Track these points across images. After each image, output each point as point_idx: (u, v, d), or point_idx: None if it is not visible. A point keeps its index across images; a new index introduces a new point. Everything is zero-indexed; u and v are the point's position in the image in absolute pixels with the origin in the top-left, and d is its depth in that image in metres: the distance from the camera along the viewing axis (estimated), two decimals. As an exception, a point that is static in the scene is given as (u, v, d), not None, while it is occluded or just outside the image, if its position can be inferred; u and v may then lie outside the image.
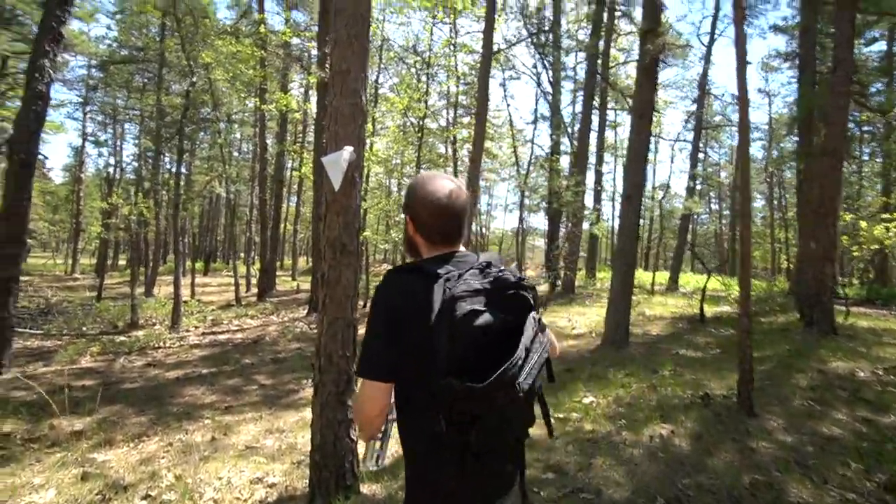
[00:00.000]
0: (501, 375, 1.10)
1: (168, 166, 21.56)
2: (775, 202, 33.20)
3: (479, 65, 17.56)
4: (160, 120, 16.67)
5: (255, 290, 18.28)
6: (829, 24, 11.86)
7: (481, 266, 1.25)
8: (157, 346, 8.84)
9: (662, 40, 6.88)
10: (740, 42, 4.33)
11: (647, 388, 5.50)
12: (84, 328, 10.65)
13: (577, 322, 9.57)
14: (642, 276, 19.17)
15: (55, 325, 10.87)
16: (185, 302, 12.85)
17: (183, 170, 23.49)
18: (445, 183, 1.38)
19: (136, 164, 25.41)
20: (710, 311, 10.05)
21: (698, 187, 19.81)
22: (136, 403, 5.69)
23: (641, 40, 7.39)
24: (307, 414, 5.08)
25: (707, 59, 16.74)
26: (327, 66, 3.31)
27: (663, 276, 18.55)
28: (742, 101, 4.32)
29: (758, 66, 28.55)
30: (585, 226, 13.95)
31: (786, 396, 5.03)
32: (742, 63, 4.31)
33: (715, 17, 17.02)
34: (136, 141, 26.53)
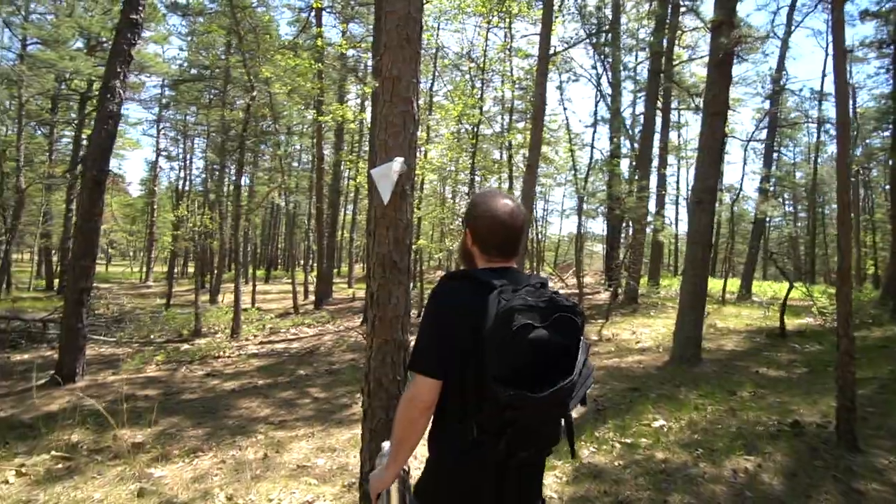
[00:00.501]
0: (558, 392, 1.17)
1: (232, 178, 22.53)
2: (860, 204, 30.57)
3: (535, 69, 17.20)
4: (224, 134, 17.35)
5: (312, 297, 18.63)
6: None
7: (536, 284, 1.34)
8: (217, 355, 9.05)
9: (737, 33, 6.32)
10: (839, 27, 3.81)
11: (726, 412, 4.98)
12: (152, 336, 11.11)
13: (642, 335, 8.99)
14: (712, 283, 18.00)
15: (126, 332, 11.41)
16: (246, 310, 13.18)
17: (245, 181, 24.44)
18: (507, 202, 1.46)
19: (202, 176, 26.68)
20: (790, 323, 9.20)
21: (772, 189, 18.46)
22: (193, 415, 5.75)
23: (713, 34, 6.85)
24: (359, 431, 4.95)
25: (783, 52, 15.58)
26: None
27: (734, 284, 17.33)
28: (841, 94, 3.80)
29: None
30: (648, 231, 13.25)
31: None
32: (841, 52, 3.79)
33: (792, 7, 15.83)
34: (203, 155, 27.87)
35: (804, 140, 32.98)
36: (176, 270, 30.48)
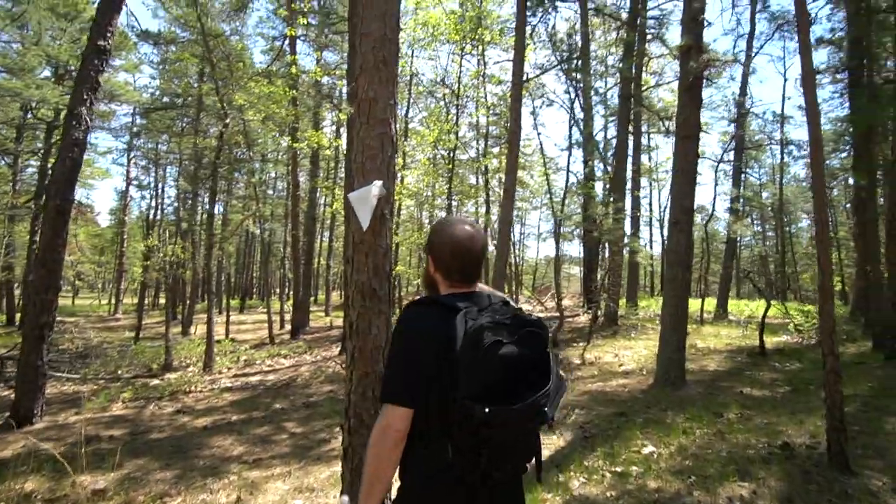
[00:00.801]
0: (534, 402, 1.22)
1: (206, 206, 22.11)
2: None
3: (508, 94, 17.46)
4: (197, 162, 17.06)
5: (289, 326, 18.17)
6: (882, 34, 11.22)
7: (499, 303, 1.41)
8: (188, 390, 8.65)
9: (706, 57, 6.48)
10: (806, 51, 3.89)
11: (714, 436, 4.90)
12: (119, 372, 10.60)
13: (624, 357, 8.94)
14: (689, 303, 18.23)
15: (92, 368, 10.87)
16: (219, 342, 12.76)
17: (218, 209, 24.03)
18: (466, 227, 1.50)
19: (174, 205, 26.15)
20: (769, 341, 9.27)
21: (741, 209, 18.92)
22: (161, 456, 5.41)
23: (682, 59, 7.00)
24: (339, 468, 4.71)
25: (745, 77, 16.17)
26: (354, 97, 3.03)
27: (710, 304, 17.55)
28: (812, 113, 3.86)
29: (795, 82, 27.62)
30: (625, 252, 13.35)
31: (884, 448, 4.36)
32: (810, 73, 3.87)
33: (751, 34, 16.52)
34: (176, 183, 27.39)
35: (768, 161, 34.09)
36: (147, 302, 29.54)
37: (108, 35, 7.23)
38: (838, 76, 21.78)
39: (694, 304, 17.22)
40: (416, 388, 1.29)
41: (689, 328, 11.32)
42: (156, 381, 9.58)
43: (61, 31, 20.75)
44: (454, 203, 18.16)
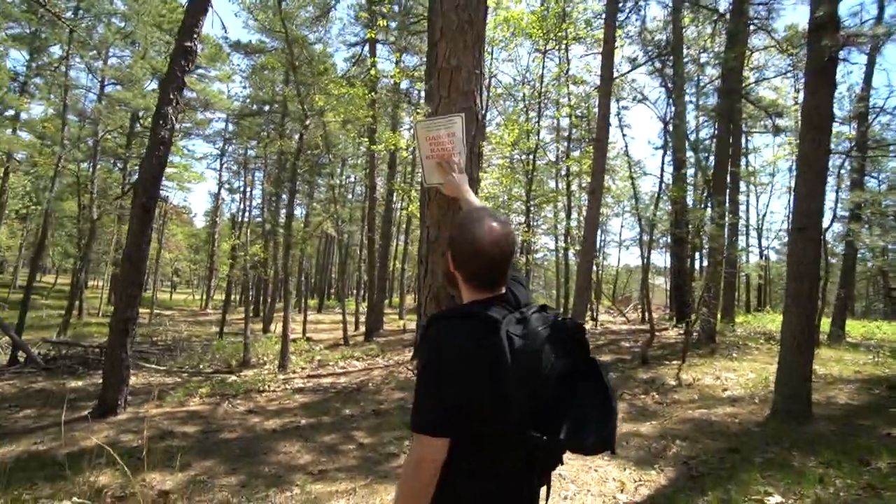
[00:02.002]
0: (608, 437, 1.18)
1: (287, 209, 22.95)
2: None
3: (592, 93, 16.57)
4: (280, 165, 17.61)
5: (363, 328, 18.27)
6: None
7: (538, 310, 1.28)
8: (261, 389, 8.65)
9: (845, 33, 5.47)
10: None
11: (864, 491, 3.95)
12: (201, 366, 10.94)
13: (727, 380, 7.88)
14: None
15: (177, 361, 11.31)
16: (295, 341, 12.92)
17: (300, 212, 24.80)
18: (493, 225, 1.32)
19: (260, 208, 27.38)
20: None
21: (869, 217, 16.63)
22: (229, 459, 5.26)
23: (811, 38, 5.99)
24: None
25: (871, 66, 14.19)
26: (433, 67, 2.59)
27: (824, 324, 15.58)
28: None
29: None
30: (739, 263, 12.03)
31: None
32: None
33: (878, 20, 14.50)
34: (262, 186, 28.72)
35: (890, 165, 30.21)
36: (233, 299, 31.20)
37: (195, 36, 7.35)
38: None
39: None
40: (453, 415, 1.18)
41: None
42: (233, 378, 9.73)
43: (166, 44, 22.39)
44: (532, 207, 17.45)
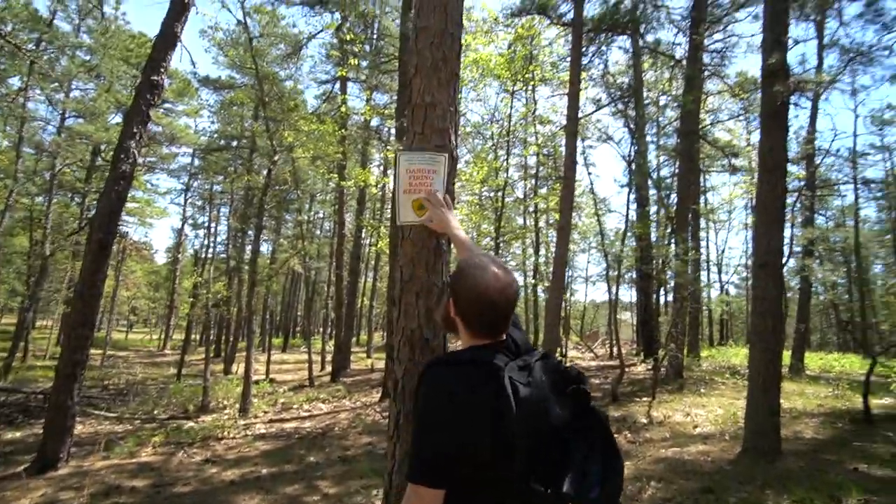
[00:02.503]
0: (613, 493, 1.12)
1: (253, 245, 22.48)
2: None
3: (559, 132, 17.07)
4: (247, 201, 17.31)
5: (329, 367, 17.74)
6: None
7: (541, 357, 1.25)
8: (220, 436, 8.17)
9: (796, 79, 5.78)
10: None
11: (838, 530, 3.93)
12: (155, 412, 10.31)
13: (697, 417, 7.88)
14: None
15: (130, 407, 10.64)
16: (257, 382, 12.37)
17: (266, 248, 24.35)
18: (498, 273, 1.30)
19: (225, 244, 26.78)
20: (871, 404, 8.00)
21: (821, 253, 17.43)
22: (182, 516, 4.87)
23: (765, 83, 6.31)
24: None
25: (815, 111, 15.13)
26: (406, 105, 2.56)
27: (784, 357, 15.97)
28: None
29: (865, 121, 26.02)
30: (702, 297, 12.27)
31: None
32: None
33: (818, 69, 15.55)
34: (227, 222, 28.18)
35: (835, 203, 31.89)
36: (193, 338, 29.99)
37: (162, 70, 7.23)
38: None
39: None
40: (449, 464, 1.13)
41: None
42: (190, 424, 9.19)
43: (133, 78, 22.06)
44: (501, 243, 17.56)
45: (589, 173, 31.96)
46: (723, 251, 31.73)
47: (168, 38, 7.24)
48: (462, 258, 1.47)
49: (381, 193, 25.86)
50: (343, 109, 13.60)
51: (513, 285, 1.31)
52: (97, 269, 6.67)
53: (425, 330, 2.18)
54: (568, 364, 1.32)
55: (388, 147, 13.52)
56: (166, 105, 24.58)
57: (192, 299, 16.72)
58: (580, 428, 1.20)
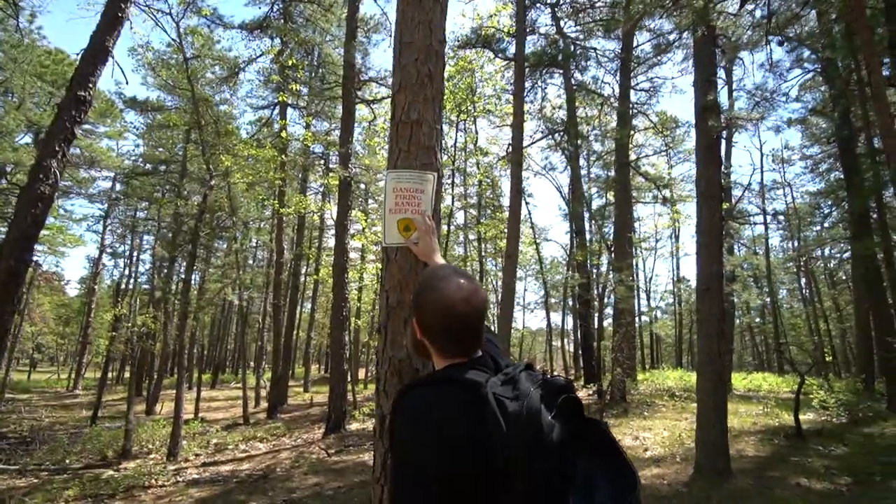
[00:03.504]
0: None
1: (182, 275, 21.12)
2: (804, 291, 31.70)
3: (499, 163, 17.48)
4: (176, 228, 16.32)
5: (265, 403, 16.76)
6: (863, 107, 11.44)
7: (524, 368, 1.12)
8: (147, 484, 7.38)
9: (730, 115, 6.22)
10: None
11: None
12: (67, 461, 9.20)
13: (646, 440, 8.04)
14: (687, 376, 17.47)
15: (35, 456, 9.45)
16: (186, 422, 11.44)
17: (196, 277, 23.02)
18: (461, 281, 1.19)
19: (148, 274, 25.10)
20: (789, 419, 8.52)
21: (738, 277, 18.75)
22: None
23: (699, 118, 6.75)
24: None
25: (729, 149, 16.43)
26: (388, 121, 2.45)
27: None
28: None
29: (765, 157, 28.66)
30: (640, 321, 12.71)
31: None
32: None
33: (730, 108, 16.95)
34: (151, 250, 26.47)
35: (747, 233, 34.64)
36: (110, 376, 27.57)
37: (91, 86, 6.72)
38: (805, 152, 22.93)
39: (691, 377, 16.49)
40: (439, 500, 1.00)
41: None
42: (110, 473, 8.28)
43: (48, 95, 20.47)
44: (435, 266, 17.56)
45: (526, 203, 32.95)
46: (650, 278, 33.36)
47: (98, 51, 6.76)
48: (422, 274, 1.35)
49: (319, 221, 25.35)
50: (283, 134, 13.27)
51: (478, 292, 1.19)
52: (6, 300, 5.93)
53: (414, 360, 2.03)
54: (556, 374, 1.17)
55: (331, 173, 13.24)
56: (86, 126, 22.99)
57: (112, 333, 15.34)
58: (580, 442, 1.07)
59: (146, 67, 16.51)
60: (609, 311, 16.22)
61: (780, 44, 9.42)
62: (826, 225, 25.10)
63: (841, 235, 19.80)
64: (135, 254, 30.42)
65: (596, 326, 14.77)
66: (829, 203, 22.05)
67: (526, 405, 1.00)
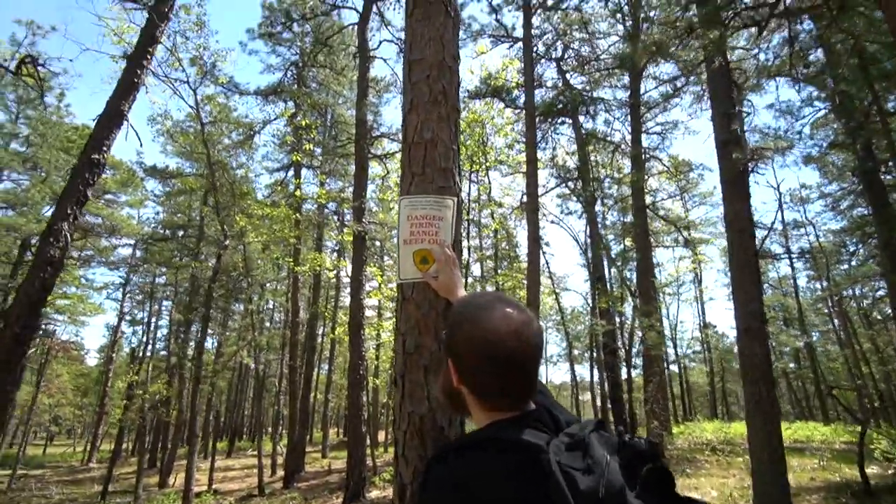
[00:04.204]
0: None
1: (198, 338, 20.96)
2: (839, 333, 30.33)
3: (515, 212, 17.41)
4: (193, 291, 16.29)
5: (281, 471, 16.03)
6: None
7: (595, 428, 0.88)
8: (152, 568, 6.83)
9: (755, 146, 5.99)
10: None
11: None
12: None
13: (693, 501, 7.29)
14: (733, 428, 16.36)
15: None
16: (199, 495, 10.85)
17: (210, 343, 22.84)
18: (508, 313, 0.93)
19: (165, 341, 25.02)
20: (852, 472, 7.73)
21: (770, 319, 17.99)
22: None
23: (720, 152, 6.53)
24: None
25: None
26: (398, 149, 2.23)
27: (739, 428, 15.85)
28: None
29: (783, 195, 28.24)
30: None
31: None
32: None
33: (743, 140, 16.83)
34: (169, 316, 26.50)
35: (771, 275, 33.64)
36: (125, 448, 26.98)
37: (105, 149, 6.77)
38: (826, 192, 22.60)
39: (730, 429, 15.43)
40: None
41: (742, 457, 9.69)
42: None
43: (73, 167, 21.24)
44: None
45: (543, 252, 32.70)
46: (675, 325, 32.32)
47: (113, 115, 6.86)
48: (456, 303, 1.11)
49: (335, 280, 25.27)
50: (298, 193, 13.37)
51: (531, 324, 0.93)
52: (8, 370, 5.70)
53: (439, 416, 1.69)
54: (638, 436, 0.92)
55: (346, 228, 13.20)
56: (108, 196, 23.67)
57: (125, 401, 15.00)
58: None
59: (165, 135, 17.05)
60: (637, 360, 15.61)
61: (796, 81, 9.31)
62: (853, 263, 24.31)
63: (874, 272, 19.02)
64: (153, 320, 30.48)
65: (625, 377, 14.10)
66: (855, 240, 21.48)
67: (605, 482, 0.77)
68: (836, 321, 30.93)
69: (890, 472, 8.16)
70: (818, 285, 30.30)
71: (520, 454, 0.83)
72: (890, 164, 11.57)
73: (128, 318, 29.92)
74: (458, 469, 0.86)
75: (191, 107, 12.13)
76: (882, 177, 11.85)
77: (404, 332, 1.79)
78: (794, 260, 23.85)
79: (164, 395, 12.86)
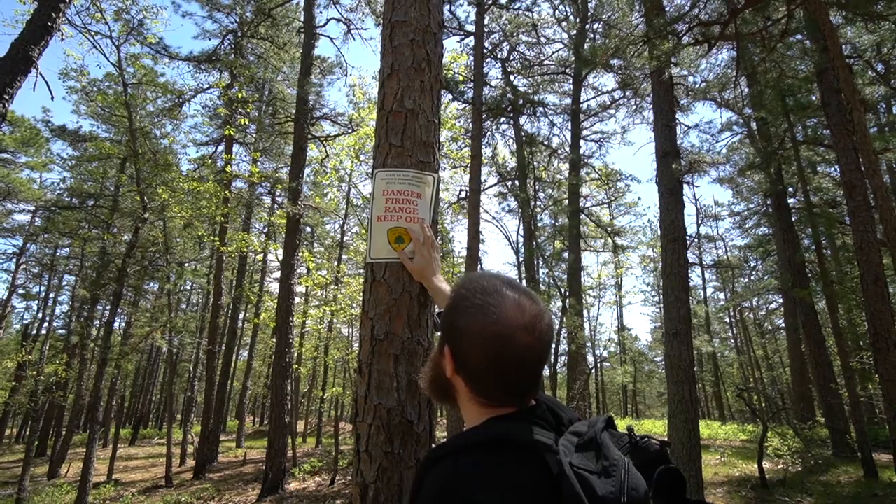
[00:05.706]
0: None
1: (105, 319, 19.27)
2: (737, 340, 33.19)
3: (444, 211, 17.42)
4: (102, 266, 14.93)
5: (192, 461, 15.13)
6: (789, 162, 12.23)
7: (605, 424, 0.81)
8: (39, 568, 6.16)
9: (693, 158, 6.28)
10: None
11: None
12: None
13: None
14: (637, 424, 17.37)
15: None
16: (98, 486, 9.99)
17: (119, 322, 21.17)
18: (521, 302, 0.82)
19: (65, 319, 22.90)
20: (745, 468, 8.41)
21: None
22: None
23: (660, 163, 6.80)
24: None
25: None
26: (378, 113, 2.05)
27: (655, 425, 16.90)
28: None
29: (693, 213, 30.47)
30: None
31: None
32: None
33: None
34: (71, 292, 24.27)
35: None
36: (8, 433, 24.51)
37: (6, 98, 5.96)
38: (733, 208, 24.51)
39: (645, 425, 16.45)
40: None
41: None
42: (-7, 554, 6.90)
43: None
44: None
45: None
46: (595, 327, 33.86)
47: (18, 60, 6.04)
48: (457, 283, 0.94)
49: (262, 264, 24.22)
50: (228, 169, 12.60)
51: (543, 316, 0.83)
52: None
53: (408, 409, 1.55)
54: (647, 436, 0.84)
55: (279, 210, 12.60)
56: (4, 155, 21.22)
57: (13, 383, 13.49)
58: None
59: (80, 94, 15.47)
60: (562, 359, 16.14)
61: (719, 105, 9.91)
62: (753, 277, 26.68)
63: (772, 286, 20.85)
64: (51, 295, 27.80)
65: (548, 373, 14.51)
66: (756, 257, 23.55)
67: (628, 488, 0.68)
68: (734, 329, 33.87)
69: (779, 467, 8.94)
70: (722, 296, 33.03)
71: (530, 455, 0.73)
72: (800, 188, 12.64)
73: (20, 291, 27.07)
74: (465, 471, 0.73)
75: (113, 64, 11.03)
76: (788, 200, 12.94)
77: (373, 316, 1.63)
78: (707, 271, 25.64)
79: (62, 377, 11.66)
